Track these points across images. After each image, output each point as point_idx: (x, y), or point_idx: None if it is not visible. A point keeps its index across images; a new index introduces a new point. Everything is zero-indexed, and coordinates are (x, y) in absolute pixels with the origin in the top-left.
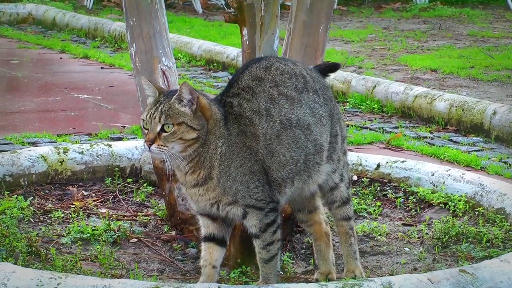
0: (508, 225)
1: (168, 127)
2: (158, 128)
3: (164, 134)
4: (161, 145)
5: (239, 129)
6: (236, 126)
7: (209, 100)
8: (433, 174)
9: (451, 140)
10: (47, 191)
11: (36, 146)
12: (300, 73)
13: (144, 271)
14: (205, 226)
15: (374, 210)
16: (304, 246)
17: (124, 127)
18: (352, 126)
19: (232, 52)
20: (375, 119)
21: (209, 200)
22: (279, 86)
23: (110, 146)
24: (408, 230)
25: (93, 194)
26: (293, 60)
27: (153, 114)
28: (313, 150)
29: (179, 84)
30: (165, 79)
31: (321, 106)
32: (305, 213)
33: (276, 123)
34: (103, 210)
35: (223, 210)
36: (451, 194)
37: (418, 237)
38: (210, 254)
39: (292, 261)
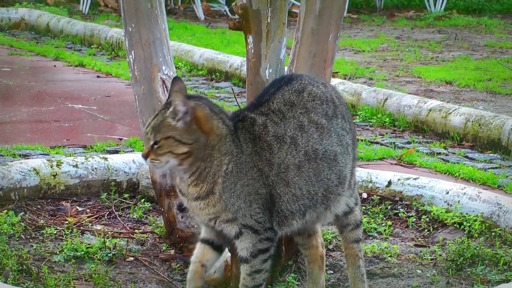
0: None
1: (157, 141)
2: (151, 143)
3: (154, 146)
4: (153, 159)
5: (253, 149)
6: (251, 145)
7: (213, 112)
8: (447, 193)
9: (466, 157)
10: (39, 206)
11: (28, 158)
12: (330, 97)
13: None
14: (206, 232)
15: (385, 230)
16: None
17: (121, 139)
18: (362, 140)
19: (236, 61)
20: (386, 133)
21: (209, 215)
22: (310, 113)
23: (106, 159)
24: (421, 251)
25: (88, 210)
26: (323, 81)
27: (147, 128)
28: (336, 182)
29: None
30: (165, 88)
31: (348, 133)
32: (304, 236)
33: (301, 153)
34: (98, 227)
35: (219, 226)
36: (466, 213)
37: (431, 259)
38: (203, 253)
39: (297, 283)
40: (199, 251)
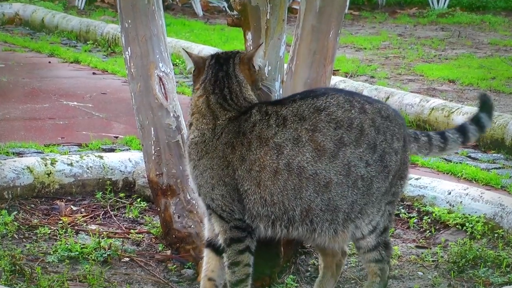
0: None
1: None
2: None
3: None
4: None
5: (230, 141)
6: (231, 137)
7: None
8: (449, 193)
9: (469, 157)
10: (32, 205)
11: (22, 156)
12: (359, 124)
13: None
14: (208, 229)
15: None
16: (309, 269)
17: (116, 137)
18: None
19: None
20: None
21: (188, 171)
22: (316, 132)
23: (101, 157)
24: (422, 253)
25: (83, 209)
26: (364, 106)
27: None
28: (323, 208)
29: (177, 92)
30: (161, 86)
31: (369, 165)
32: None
33: (282, 162)
34: (93, 227)
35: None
36: (469, 214)
37: (433, 261)
38: (207, 264)
39: (296, 284)
40: (204, 262)
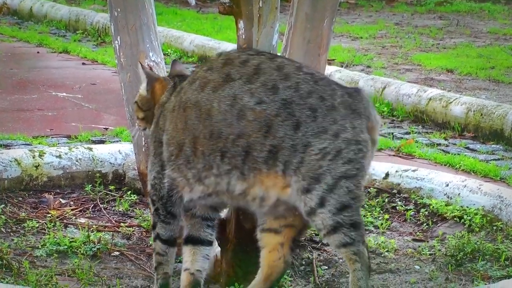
0: None
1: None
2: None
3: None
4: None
5: (171, 101)
6: (172, 98)
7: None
8: (447, 185)
9: (468, 148)
10: (20, 198)
11: (9, 148)
12: (256, 64)
13: None
14: (185, 227)
15: (382, 224)
16: (303, 262)
17: (106, 129)
18: None
19: (227, 48)
20: (384, 123)
21: None
22: (208, 70)
23: (91, 149)
24: (419, 246)
25: (72, 202)
26: (275, 55)
27: None
28: (206, 135)
29: None
30: None
31: (263, 102)
32: (261, 227)
33: (177, 100)
34: (82, 220)
35: None
36: (467, 207)
37: (430, 254)
38: (184, 257)
39: (290, 279)
40: (184, 255)
